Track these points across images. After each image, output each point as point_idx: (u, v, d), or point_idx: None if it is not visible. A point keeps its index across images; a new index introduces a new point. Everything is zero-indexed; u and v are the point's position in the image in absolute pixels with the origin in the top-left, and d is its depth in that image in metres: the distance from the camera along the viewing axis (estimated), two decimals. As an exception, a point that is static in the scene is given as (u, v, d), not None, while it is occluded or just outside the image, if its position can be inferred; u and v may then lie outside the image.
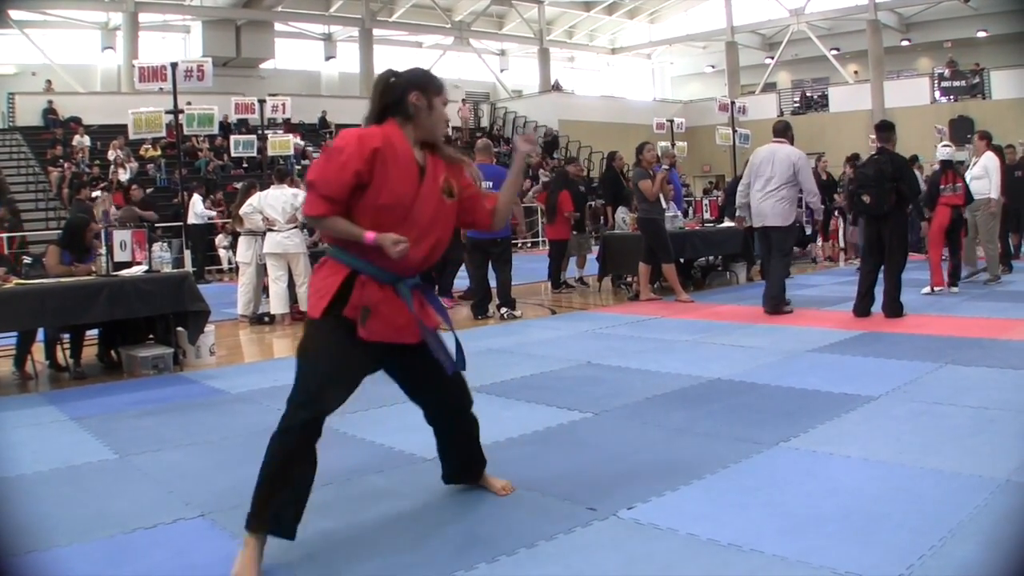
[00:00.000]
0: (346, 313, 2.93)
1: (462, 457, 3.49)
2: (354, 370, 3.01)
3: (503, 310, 8.97)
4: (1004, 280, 10.37)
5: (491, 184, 8.77)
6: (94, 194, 14.75)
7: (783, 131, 8.68)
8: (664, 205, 9.79)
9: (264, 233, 9.26)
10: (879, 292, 7.83)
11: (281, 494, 2.85)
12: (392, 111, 3.08)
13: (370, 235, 2.89)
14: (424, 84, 3.12)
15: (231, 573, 2.78)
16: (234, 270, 13.41)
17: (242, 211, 9.39)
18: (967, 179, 9.92)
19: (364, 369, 3.06)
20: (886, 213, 7.65)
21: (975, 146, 10.41)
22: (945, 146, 9.73)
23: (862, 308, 7.88)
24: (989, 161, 10.22)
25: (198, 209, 16.02)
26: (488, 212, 3.32)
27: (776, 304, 8.32)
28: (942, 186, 9.28)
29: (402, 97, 3.07)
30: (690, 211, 13.75)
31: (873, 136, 8.73)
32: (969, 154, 10.36)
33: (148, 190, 18.52)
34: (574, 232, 11.62)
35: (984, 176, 10.05)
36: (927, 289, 9.20)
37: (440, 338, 3.17)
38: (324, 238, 3.19)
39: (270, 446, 2.87)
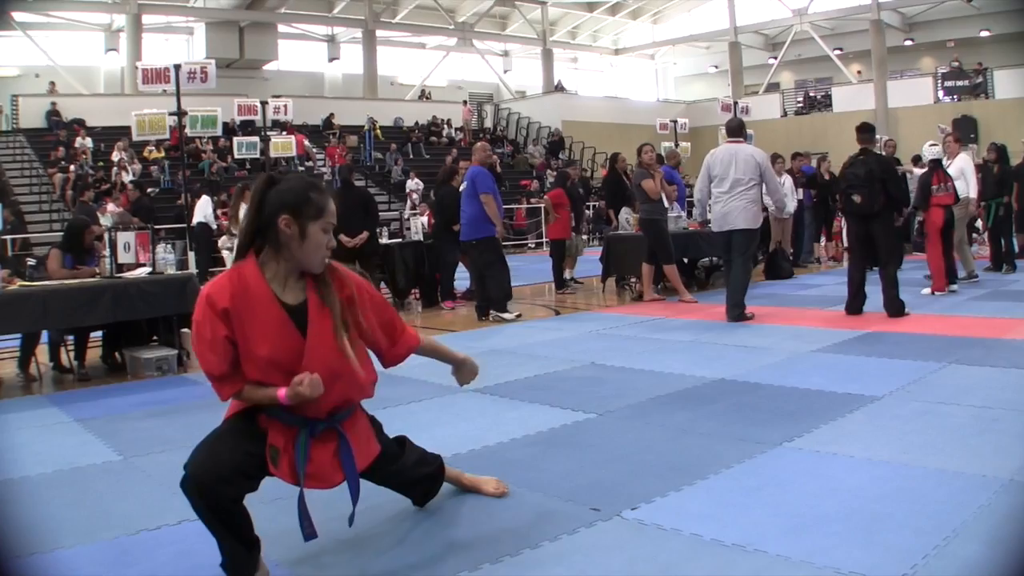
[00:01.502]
0: (265, 457, 2.68)
1: (421, 488, 3.37)
2: (246, 457, 2.69)
3: (491, 313, 8.92)
4: (1008, 280, 10.37)
5: (471, 183, 8.86)
6: (109, 207, 14.73)
7: (739, 130, 8.47)
8: (667, 205, 9.80)
9: None
10: (877, 292, 7.85)
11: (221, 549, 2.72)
12: (261, 236, 2.65)
13: (280, 393, 2.58)
14: (296, 206, 2.61)
15: None
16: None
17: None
18: None
19: (256, 462, 2.73)
20: (876, 212, 7.69)
21: (947, 147, 10.13)
22: (932, 145, 9.70)
23: (854, 307, 7.92)
24: (964, 163, 10.20)
25: (207, 211, 15.97)
26: (396, 356, 3.01)
27: (739, 313, 7.96)
28: (934, 186, 9.25)
29: (270, 221, 2.61)
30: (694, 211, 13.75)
31: (887, 138, 8.73)
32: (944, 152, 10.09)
33: (151, 190, 18.53)
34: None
35: (960, 177, 9.98)
36: (927, 291, 9.18)
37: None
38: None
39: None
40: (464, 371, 3.33)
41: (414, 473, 3.28)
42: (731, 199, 8.06)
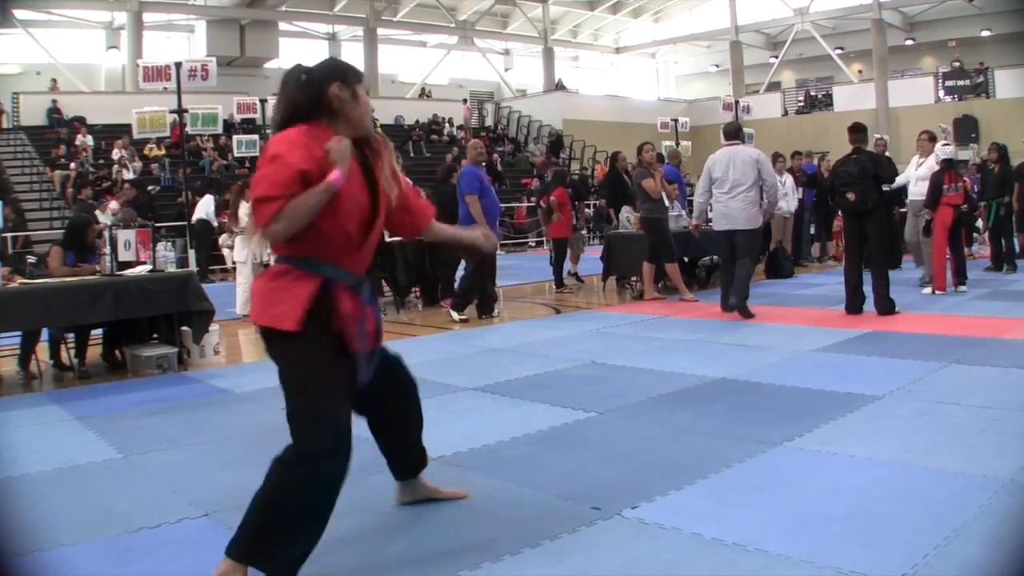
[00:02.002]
0: (334, 327, 2.69)
1: (414, 441, 3.29)
2: (344, 384, 2.76)
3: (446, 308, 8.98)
4: (1008, 279, 10.36)
5: (458, 184, 8.88)
6: (111, 204, 14.72)
7: (736, 133, 8.63)
8: (667, 204, 9.80)
9: None
10: (871, 291, 7.88)
11: (291, 541, 2.62)
12: (312, 111, 2.74)
13: (334, 175, 2.61)
14: (343, 74, 2.78)
15: None
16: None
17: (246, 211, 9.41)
18: (912, 180, 9.81)
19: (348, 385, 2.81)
20: (870, 210, 7.74)
21: (921, 146, 9.86)
22: (946, 144, 9.67)
23: (853, 306, 7.95)
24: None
25: (210, 210, 15.94)
26: (426, 219, 3.10)
27: (742, 305, 8.07)
28: (945, 185, 9.22)
29: (320, 93, 2.73)
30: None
31: (878, 136, 8.72)
32: (921, 154, 9.89)
33: (151, 188, 18.51)
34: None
35: (927, 179, 9.86)
36: (928, 290, 9.18)
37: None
38: (280, 250, 2.79)
39: (284, 483, 2.61)
40: (481, 239, 3.30)
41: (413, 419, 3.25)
42: (731, 200, 8.20)
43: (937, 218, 9.25)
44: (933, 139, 9.80)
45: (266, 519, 2.60)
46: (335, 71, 2.78)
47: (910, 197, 9.97)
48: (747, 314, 8.01)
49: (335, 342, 2.72)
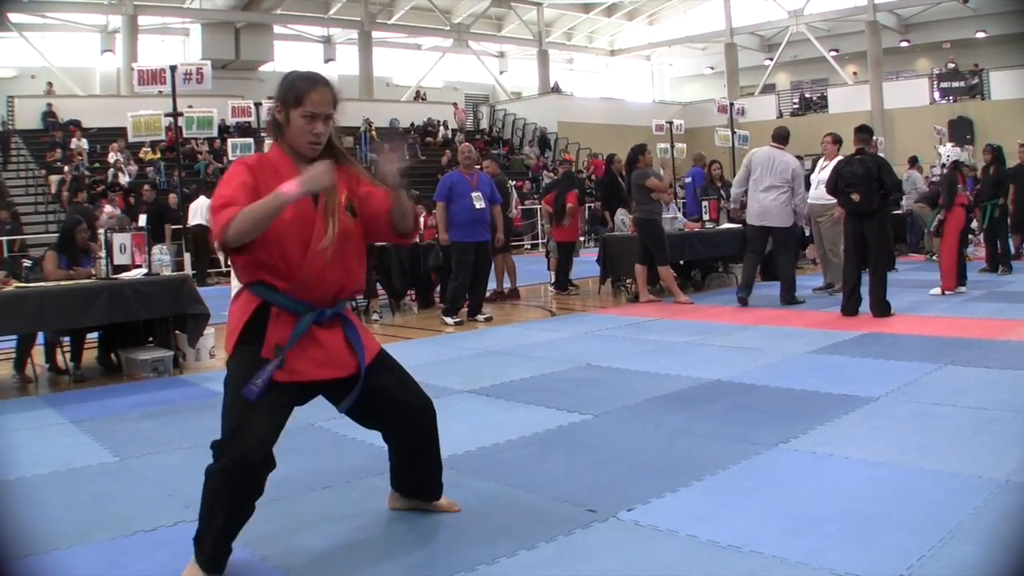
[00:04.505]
0: (263, 355, 2.75)
1: (419, 473, 3.27)
2: (276, 409, 2.78)
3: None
4: (1003, 281, 10.38)
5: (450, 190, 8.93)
6: (106, 208, 14.65)
7: (782, 139, 9.25)
8: (664, 207, 9.83)
9: None
10: (867, 293, 7.89)
11: (203, 528, 2.75)
12: (275, 132, 2.90)
13: (287, 186, 2.62)
14: (281, 95, 2.82)
15: None
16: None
17: None
18: (814, 183, 9.64)
19: (288, 407, 2.85)
20: (872, 211, 7.77)
21: (826, 149, 9.69)
22: (954, 146, 9.72)
23: (850, 308, 7.96)
24: None
25: (205, 211, 15.88)
26: (386, 211, 2.94)
27: (791, 297, 8.96)
28: (959, 186, 9.26)
29: (271, 112, 2.89)
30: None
31: (879, 139, 8.76)
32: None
33: (149, 190, 18.43)
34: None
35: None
36: (936, 291, 9.16)
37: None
38: (237, 263, 2.84)
39: (205, 483, 2.74)
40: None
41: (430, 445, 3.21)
42: (767, 198, 8.98)
43: (951, 219, 9.28)
44: (837, 141, 9.63)
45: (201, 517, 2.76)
46: (280, 92, 2.84)
47: (810, 200, 9.58)
48: (797, 302, 8.92)
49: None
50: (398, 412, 3.07)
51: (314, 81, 2.84)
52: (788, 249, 9.25)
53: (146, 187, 17.00)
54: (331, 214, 2.81)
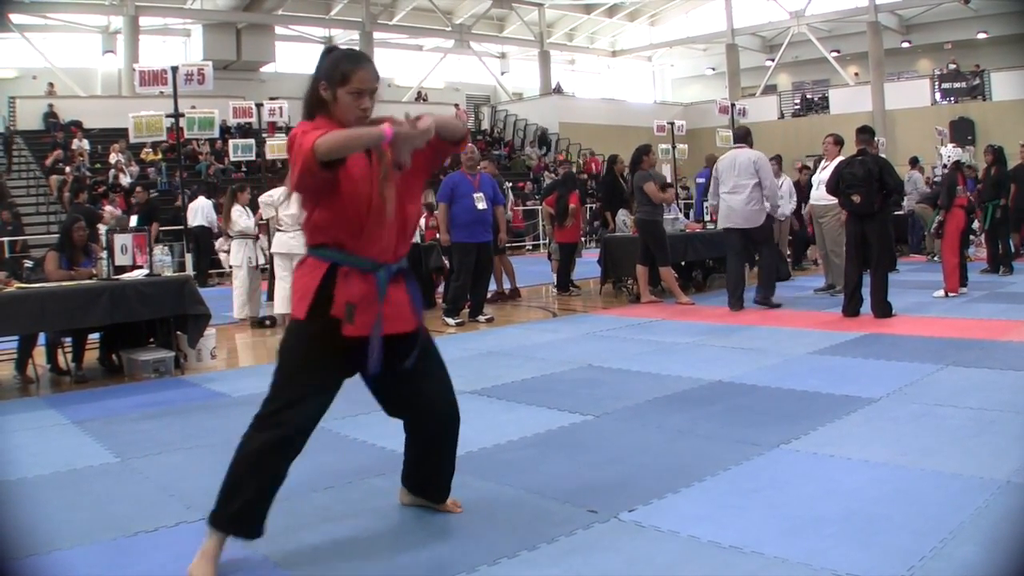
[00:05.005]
0: (333, 314, 2.84)
1: (425, 472, 3.32)
2: (333, 377, 2.95)
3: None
4: (1005, 281, 10.38)
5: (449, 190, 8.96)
6: (107, 209, 14.61)
7: (744, 137, 9.20)
8: (666, 209, 9.84)
9: (256, 237, 9.59)
10: (868, 293, 7.88)
11: (233, 496, 2.86)
12: (315, 107, 2.97)
13: (387, 127, 2.71)
14: (327, 73, 2.93)
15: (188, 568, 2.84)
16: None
17: (261, 200, 9.46)
18: (815, 184, 9.70)
19: (342, 375, 2.99)
20: (873, 212, 7.76)
21: (827, 149, 9.63)
22: (955, 147, 9.70)
23: (851, 309, 7.96)
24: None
25: (210, 215, 15.80)
26: (435, 143, 2.98)
27: (766, 297, 8.82)
28: (959, 187, 9.25)
29: (315, 90, 2.96)
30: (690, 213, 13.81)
31: (881, 139, 8.73)
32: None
33: (152, 192, 18.43)
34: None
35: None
36: (940, 293, 9.14)
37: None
38: (309, 222, 2.93)
39: (242, 444, 2.90)
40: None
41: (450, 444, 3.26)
42: (734, 199, 8.84)
43: (951, 220, 9.27)
44: (839, 142, 9.52)
45: (225, 477, 2.90)
46: (324, 71, 2.94)
47: (811, 201, 9.84)
48: (772, 305, 8.76)
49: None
50: (421, 407, 3.18)
51: (357, 59, 2.99)
52: (765, 245, 9.06)
53: (139, 188, 16.97)
54: (387, 176, 2.91)
